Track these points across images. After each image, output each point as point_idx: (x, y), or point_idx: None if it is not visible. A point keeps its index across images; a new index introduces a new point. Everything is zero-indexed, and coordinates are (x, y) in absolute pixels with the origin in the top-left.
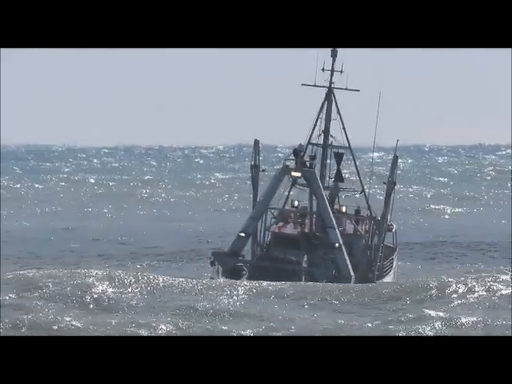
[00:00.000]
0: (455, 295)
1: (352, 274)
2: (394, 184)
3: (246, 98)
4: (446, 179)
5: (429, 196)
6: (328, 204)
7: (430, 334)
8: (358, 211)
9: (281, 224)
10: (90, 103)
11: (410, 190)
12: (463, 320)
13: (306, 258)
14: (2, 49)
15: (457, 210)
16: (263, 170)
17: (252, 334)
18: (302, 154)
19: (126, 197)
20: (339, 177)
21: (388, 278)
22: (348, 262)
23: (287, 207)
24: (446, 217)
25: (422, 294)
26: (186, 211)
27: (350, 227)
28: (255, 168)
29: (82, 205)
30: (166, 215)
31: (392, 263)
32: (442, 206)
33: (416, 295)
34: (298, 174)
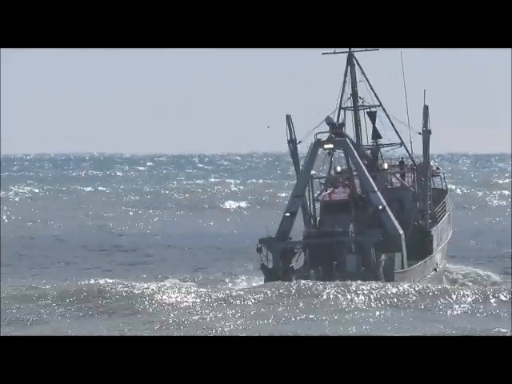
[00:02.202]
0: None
1: (401, 231)
2: (430, 132)
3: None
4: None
5: None
6: (365, 168)
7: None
8: (402, 162)
9: (330, 190)
10: (90, 103)
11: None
12: None
13: (351, 228)
14: (2, 49)
15: None
16: (300, 142)
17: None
18: (330, 125)
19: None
20: (376, 134)
21: (443, 224)
22: (394, 220)
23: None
24: None
25: None
26: None
27: (396, 181)
28: (292, 143)
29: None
30: None
31: (445, 207)
32: None
33: None
34: (331, 146)
